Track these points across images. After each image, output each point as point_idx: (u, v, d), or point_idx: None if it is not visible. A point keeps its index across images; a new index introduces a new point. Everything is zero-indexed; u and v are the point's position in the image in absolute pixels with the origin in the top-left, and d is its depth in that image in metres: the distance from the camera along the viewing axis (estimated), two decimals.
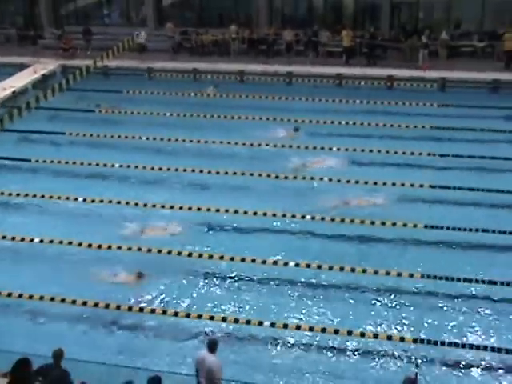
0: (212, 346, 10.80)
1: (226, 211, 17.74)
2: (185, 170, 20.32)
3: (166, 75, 30.11)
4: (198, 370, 10.92)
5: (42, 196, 18.92)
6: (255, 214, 17.63)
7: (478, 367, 12.64)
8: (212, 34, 32.83)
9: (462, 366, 12.67)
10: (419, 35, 30.08)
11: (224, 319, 13.79)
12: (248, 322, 13.61)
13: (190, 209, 18.02)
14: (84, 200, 18.65)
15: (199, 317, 13.86)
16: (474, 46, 30.46)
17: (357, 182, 19.29)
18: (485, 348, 12.89)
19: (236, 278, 15.45)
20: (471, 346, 12.97)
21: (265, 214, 17.66)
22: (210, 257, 15.85)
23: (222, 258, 15.76)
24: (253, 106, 26.08)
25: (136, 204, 18.35)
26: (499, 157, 20.70)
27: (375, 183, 19.18)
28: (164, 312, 14.03)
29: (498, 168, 20.39)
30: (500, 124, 23.67)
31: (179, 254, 15.99)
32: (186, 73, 30.02)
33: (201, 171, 20.17)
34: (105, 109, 26.12)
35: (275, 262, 15.57)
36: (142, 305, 14.37)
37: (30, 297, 14.44)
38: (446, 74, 27.99)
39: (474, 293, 14.70)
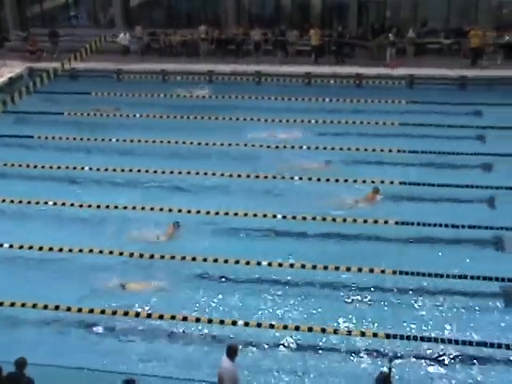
0: (230, 352, 10.56)
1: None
2: (155, 172, 20.19)
3: (135, 77, 29.98)
4: None
5: (12, 201, 18.69)
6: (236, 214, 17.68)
7: (450, 361, 12.77)
8: (181, 34, 32.72)
9: (434, 360, 12.79)
10: (387, 33, 30.33)
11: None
12: (222, 322, 13.66)
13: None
14: (54, 204, 18.45)
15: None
16: (440, 44, 30.77)
17: (327, 180, 19.37)
18: (456, 342, 13.04)
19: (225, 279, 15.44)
20: (443, 340, 13.10)
21: (235, 214, 17.73)
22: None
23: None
24: (222, 106, 26.08)
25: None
26: (467, 152, 20.93)
27: (345, 180, 19.28)
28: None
29: (466, 164, 20.61)
30: (467, 120, 23.93)
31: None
32: (155, 74, 29.91)
33: (171, 172, 20.08)
34: (104, 111, 25.80)
35: (259, 263, 15.52)
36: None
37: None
38: (414, 71, 28.23)
39: (445, 287, 14.80)
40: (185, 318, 13.82)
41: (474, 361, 12.76)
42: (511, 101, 25.28)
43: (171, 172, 20.10)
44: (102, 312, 13.99)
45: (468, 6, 32.04)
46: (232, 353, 10.53)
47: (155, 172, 20.20)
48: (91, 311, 14.01)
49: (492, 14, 31.58)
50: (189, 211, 17.81)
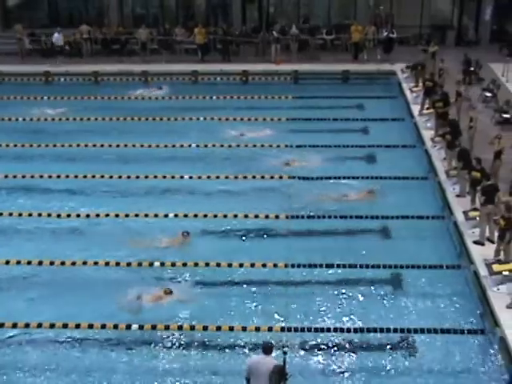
0: (266, 350, 10.68)
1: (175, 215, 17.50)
2: (50, 177, 19.65)
3: (16, 79, 28.96)
4: (249, 378, 10.68)
5: None
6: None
7: (343, 349, 13.10)
8: (63, 34, 31.78)
9: (328, 349, 13.10)
10: (271, 30, 30.70)
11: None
12: (115, 327, 13.50)
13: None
14: None
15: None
16: (323, 39, 31.47)
17: (208, 177, 19.40)
18: (348, 330, 13.41)
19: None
20: (336, 329, 13.44)
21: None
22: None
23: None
24: (109, 107, 25.65)
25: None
26: (352, 145, 21.53)
27: (236, 177, 19.41)
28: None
29: (352, 155, 21.17)
30: (351, 113, 24.59)
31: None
32: (38, 76, 29.01)
33: (67, 176, 19.65)
34: None
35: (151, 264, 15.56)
36: None
37: None
38: (299, 67, 28.75)
39: (335, 277, 15.18)
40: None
41: (366, 347, 13.14)
42: (389, 93, 26.32)
43: (67, 176, 19.64)
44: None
45: (348, 2, 32.99)
46: (266, 349, 10.72)
47: (50, 177, 19.65)
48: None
49: (370, 10, 32.61)
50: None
